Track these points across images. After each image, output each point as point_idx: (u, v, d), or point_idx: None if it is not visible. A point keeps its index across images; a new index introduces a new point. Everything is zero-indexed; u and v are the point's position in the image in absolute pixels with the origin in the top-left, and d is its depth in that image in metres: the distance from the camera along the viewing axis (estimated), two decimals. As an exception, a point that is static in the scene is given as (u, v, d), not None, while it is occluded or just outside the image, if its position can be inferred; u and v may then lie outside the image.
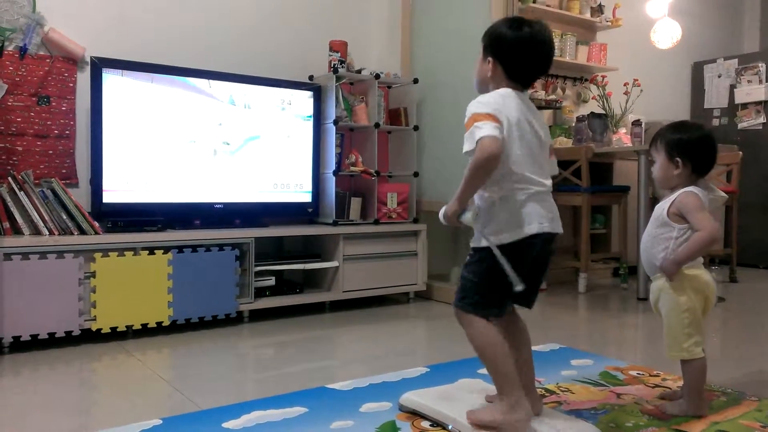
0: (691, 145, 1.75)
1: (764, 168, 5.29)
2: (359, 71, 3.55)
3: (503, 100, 1.54)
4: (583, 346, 2.60)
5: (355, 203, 3.51)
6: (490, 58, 1.60)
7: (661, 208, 1.77)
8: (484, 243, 1.54)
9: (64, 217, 2.63)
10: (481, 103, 1.53)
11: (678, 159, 1.76)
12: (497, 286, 1.53)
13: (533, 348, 1.73)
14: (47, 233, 2.58)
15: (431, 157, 3.69)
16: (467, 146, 1.50)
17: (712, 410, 1.81)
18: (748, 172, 5.09)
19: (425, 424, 1.69)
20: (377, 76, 3.51)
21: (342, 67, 3.46)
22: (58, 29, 2.88)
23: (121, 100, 2.85)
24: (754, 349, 2.66)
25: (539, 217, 1.54)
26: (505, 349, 1.54)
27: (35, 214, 2.59)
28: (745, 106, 5.47)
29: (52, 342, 2.53)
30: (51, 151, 2.90)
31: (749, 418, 1.76)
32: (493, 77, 1.60)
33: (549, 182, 1.59)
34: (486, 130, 1.46)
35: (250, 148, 3.22)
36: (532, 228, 1.53)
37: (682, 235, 1.72)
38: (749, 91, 5.42)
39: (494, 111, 1.50)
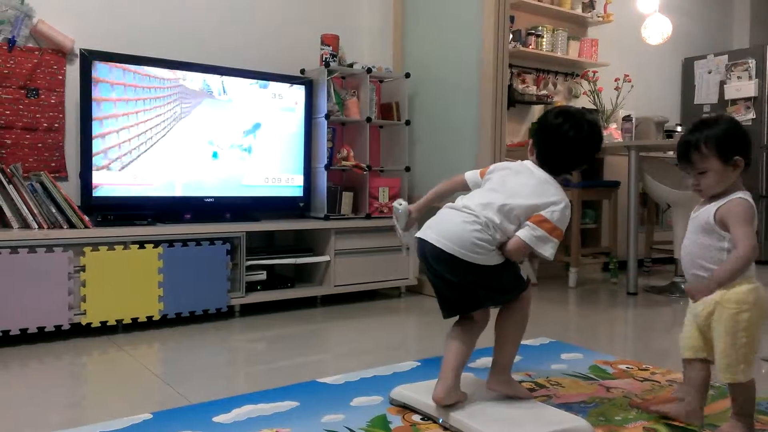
0: (745, 139, 1.58)
1: (753, 163, 5.26)
2: (351, 65, 3.54)
3: (510, 166, 1.76)
4: (573, 340, 2.61)
5: (347, 198, 3.51)
6: (530, 140, 1.82)
7: (707, 213, 1.58)
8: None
9: (54, 210, 2.62)
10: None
11: (738, 158, 1.55)
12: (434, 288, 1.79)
13: (524, 342, 1.76)
14: (36, 227, 2.56)
15: (423, 151, 3.69)
16: None
17: (700, 403, 1.83)
18: (737, 167, 5.12)
19: (416, 417, 1.69)
20: (369, 71, 3.51)
21: (333, 61, 3.45)
22: (47, 21, 2.86)
23: (111, 92, 2.83)
24: (741, 343, 2.68)
25: (429, 225, 1.70)
26: (449, 340, 1.75)
27: (24, 207, 2.57)
28: (734, 102, 5.50)
29: (41, 336, 2.51)
30: (40, 144, 2.87)
31: (736, 411, 1.77)
32: (530, 153, 1.80)
33: (465, 203, 1.68)
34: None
35: (240, 142, 3.20)
36: (421, 232, 1.71)
37: (733, 246, 1.53)
38: (739, 87, 5.45)
39: (488, 168, 1.81)
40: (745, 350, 1.52)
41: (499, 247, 1.63)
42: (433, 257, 1.65)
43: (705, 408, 1.75)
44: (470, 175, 1.83)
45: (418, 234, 1.70)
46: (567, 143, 1.69)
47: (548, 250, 1.62)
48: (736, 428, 1.57)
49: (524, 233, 1.62)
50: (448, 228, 1.64)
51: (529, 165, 1.73)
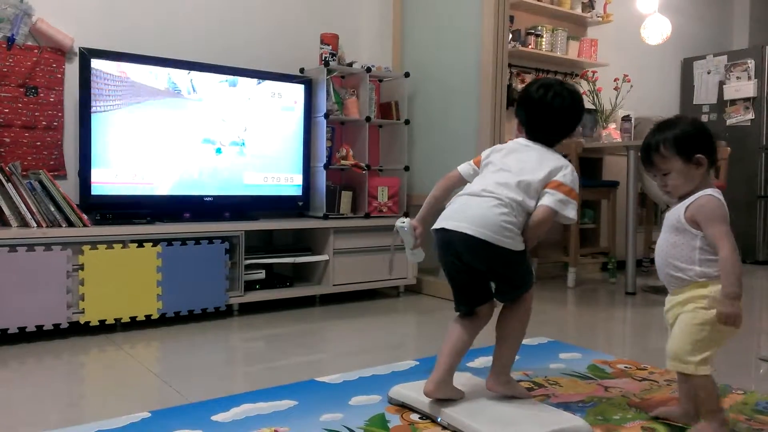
0: (705, 137, 1.56)
1: (751, 164, 5.33)
2: (350, 64, 3.54)
3: (503, 147, 1.78)
4: (571, 339, 2.61)
5: (346, 197, 3.51)
6: (517, 120, 1.82)
7: (677, 212, 1.58)
8: None
9: (52, 209, 2.61)
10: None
11: (699, 156, 1.53)
12: (450, 282, 1.76)
13: (522, 341, 1.76)
14: (35, 225, 2.56)
15: (422, 151, 3.69)
16: None
17: (698, 403, 1.83)
18: (735, 167, 5.13)
19: (414, 416, 1.70)
20: (368, 70, 3.51)
21: (333, 60, 3.45)
22: (46, 19, 2.85)
23: (110, 91, 2.83)
24: (738, 342, 2.68)
25: (446, 216, 1.69)
26: (450, 337, 1.72)
27: (23, 206, 2.57)
28: (733, 102, 5.50)
29: (40, 335, 2.51)
30: (39, 143, 2.87)
31: (735, 411, 1.78)
32: (518, 131, 1.83)
33: (482, 187, 1.67)
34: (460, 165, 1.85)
35: (239, 141, 3.20)
36: (438, 222, 1.70)
37: (706, 244, 1.52)
38: (738, 88, 5.45)
39: (481, 155, 1.81)
40: (703, 344, 1.50)
41: (522, 232, 1.64)
42: (466, 247, 1.62)
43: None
44: (464, 168, 1.83)
45: (442, 225, 1.66)
46: (553, 113, 1.72)
47: (571, 212, 1.65)
48: (708, 427, 1.54)
49: (548, 200, 1.64)
50: (475, 214, 1.62)
51: (522, 141, 1.76)
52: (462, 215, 1.64)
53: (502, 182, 1.65)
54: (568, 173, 1.67)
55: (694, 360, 1.50)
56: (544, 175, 1.65)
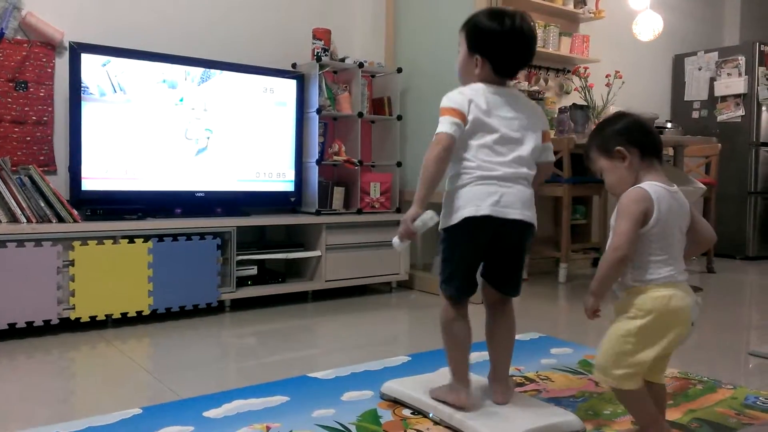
0: (624, 128, 1.46)
1: (742, 160, 5.36)
2: (343, 60, 3.53)
3: (478, 92, 1.59)
4: (562, 335, 2.63)
5: (338, 193, 3.50)
6: (477, 56, 1.61)
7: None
8: (442, 226, 1.62)
9: (42, 204, 2.60)
10: (449, 97, 1.60)
11: (620, 148, 1.44)
12: (464, 269, 1.61)
13: (515, 337, 1.75)
14: (25, 221, 2.54)
15: (414, 146, 3.69)
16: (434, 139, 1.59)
17: (688, 398, 1.85)
18: (726, 164, 5.17)
19: (406, 412, 1.70)
20: (361, 65, 3.50)
21: (325, 55, 3.44)
22: (36, 13, 2.83)
23: (100, 86, 2.81)
24: (729, 337, 2.71)
25: (489, 200, 1.54)
26: (464, 337, 1.63)
27: (12, 201, 2.55)
28: (724, 98, 5.53)
29: (30, 331, 2.50)
30: (29, 138, 2.85)
31: (725, 405, 1.79)
32: (480, 74, 1.62)
33: (504, 168, 1.57)
34: (443, 126, 1.55)
35: (232, 136, 3.19)
36: (479, 209, 1.54)
37: (650, 243, 1.38)
38: (729, 84, 5.48)
39: (459, 105, 1.57)
40: (628, 358, 1.36)
41: None
42: (519, 233, 1.59)
43: (694, 402, 1.77)
44: (456, 132, 1.55)
45: (490, 212, 1.53)
46: (520, 44, 1.59)
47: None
48: None
49: (551, 156, 1.69)
50: (525, 198, 1.58)
51: (498, 89, 1.61)
52: (511, 200, 1.55)
53: (518, 158, 1.58)
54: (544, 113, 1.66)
55: (617, 373, 1.37)
56: (541, 131, 1.64)
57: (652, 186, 1.37)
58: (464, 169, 1.58)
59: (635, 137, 1.44)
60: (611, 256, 1.35)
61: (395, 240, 1.62)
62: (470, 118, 1.56)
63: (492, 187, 1.55)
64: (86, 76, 2.77)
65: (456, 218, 1.56)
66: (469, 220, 1.55)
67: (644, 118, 1.51)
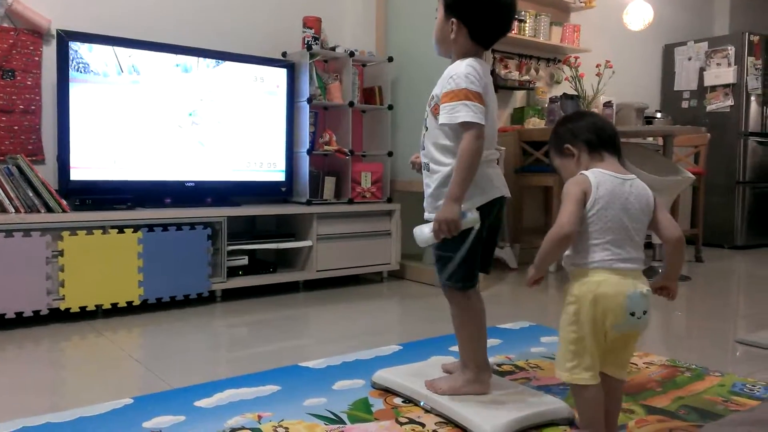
0: (574, 127, 1.46)
1: (731, 150, 5.39)
2: (333, 48, 3.52)
3: (485, 71, 1.56)
4: (552, 323, 2.64)
5: (329, 182, 3.50)
6: (453, 20, 1.57)
7: None
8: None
9: (31, 194, 2.58)
10: (471, 78, 1.51)
11: (567, 146, 1.45)
12: (475, 256, 1.59)
13: (504, 325, 1.76)
14: (13, 211, 2.52)
15: (406, 136, 3.69)
16: (448, 120, 1.51)
17: (677, 385, 1.86)
18: (715, 153, 5.20)
19: (398, 400, 1.71)
20: (352, 54, 3.48)
21: (316, 44, 3.42)
22: (23, 1, 2.79)
23: (88, 74, 2.78)
24: (717, 326, 2.74)
25: (496, 182, 1.60)
26: (479, 324, 1.64)
27: (0, 191, 2.53)
28: (714, 88, 5.55)
29: (19, 322, 2.48)
30: (16, 127, 2.82)
31: (712, 393, 1.81)
32: (456, 39, 1.59)
33: (497, 151, 1.64)
34: (477, 116, 1.48)
35: (222, 126, 3.17)
36: (494, 192, 1.58)
37: (587, 227, 1.36)
38: (718, 74, 5.50)
39: (483, 90, 1.52)
40: (573, 347, 1.34)
41: None
42: (502, 207, 1.64)
43: (682, 389, 1.79)
44: (483, 122, 1.51)
45: (504, 193, 1.61)
46: (501, 10, 1.56)
47: (461, 115, 1.54)
48: None
49: None
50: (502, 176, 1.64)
51: (484, 64, 1.58)
52: (500, 179, 1.63)
53: (496, 138, 1.64)
54: None
55: (568, 365, 1.34)
56: None
57: (593, 172, 1.38)
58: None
59: (584, 135, 1.44)
60: (554, 233, 1.34)
61: (427, 234, 1.54)
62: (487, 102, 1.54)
63: (493, 169, 1.60)
64: (73, 65, 2.74)
65: (482, 200, 1.55)
66: (492, 202, 1.58)
67: (599, 117, 1.51)
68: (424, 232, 1.55)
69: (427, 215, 1.64)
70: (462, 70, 1.53)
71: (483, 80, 1.53)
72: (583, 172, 1.39)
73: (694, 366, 2.06)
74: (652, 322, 2.66)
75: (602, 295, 1.31)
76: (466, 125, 1.49)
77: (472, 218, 1.52)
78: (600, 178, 1.36)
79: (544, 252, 1.37)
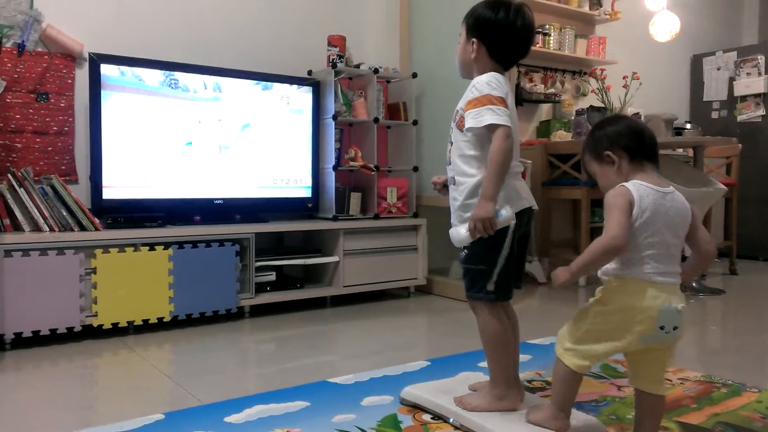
0: (614, 132, 1.45)
1: (764, 160, 5.29)
2: (358, 66, 3.55)
3: (506, 82, 1.59)
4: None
5: (355, 198, 3.51)
6: (474, 40, 1.63)
7: None
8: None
9: (64, 213, 2.63)
10: (491, 84, 1.55)
11: (608, 153, 1.44)
12: (505, 268, 1.58)
13: (534, 341, 1.75)
14: (47, 230, 2.58)
15: (430, 151, 3.69)
16: (474, 123, 1.53)
17: (712, 402, 1.82)
18: (747, 164, 5.10)
19: (426, 417, 1.69)
20: (376, 71, 3.51)
21: (340, 61, 3.46)
22: (56, 25, 2.88)
23: (120, 96, 2.85)
24: (753, 340, 2.67)
25: (524, 194, 1.61)
26: (509, 339, 1.63)
27: (35, 210, 2.59)
28: (744, 98, 5.46)
29: (53, 338, 2.53)
30: (50, 148, 2.90)
31: (749, 409, 1.77)
32: (477, 59, 1.63)
33: (521, 163, 1.66)
34: (502, 118, 1.51)
35: (249, 144, 3.21)
36: (522, 203, 1.59)
37: None
38: (748, 84, 5.42)
39: (505, 95, 1.55)
40: (581, 336, 1.40)
41: None
42: (530, 219, 1.65)
43: (718, 405, 1.75)
44: (505, 119, 1.52)
45: (532, 204, 1.62)
46: (518, 35, 1.60)
47: (487, 119, 1.57)
48: (541, 413, 1.49)
49: None
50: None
51: (505, 77, 1.61)
52: (528, 193, 1.64)
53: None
54: None
55: (566, 345, 1.42)
56: None
57: (634, 184, 1.36)
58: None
59: (624, 141, 1.43)
60: (606, 243, 1.31)
61: (463, 234, 1.55)
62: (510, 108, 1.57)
63: (520, 182, 1.62)
64: (105, 87, 2.80)
65: (512, 212, 1.54)
66: (521, 213, 1.58)
67: (637, 121, 1.48)
68: (460, 233, 1.56)
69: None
70: (483, 79, 1.58)
71: (504, 88, 1.56)
72: (623, 184, 1.37)
73: (730, 382, 2.01)
74: (686, 338, 2.60)
75: (637, 306, 1.32)
76: (492, 128, 1.51)
77: (507, 216, 1.52)
78: (642, 191, 1.35)
79: (590, 259, 1.34)
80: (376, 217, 3.47)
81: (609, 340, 1.36)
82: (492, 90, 1.54)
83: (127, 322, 2.65)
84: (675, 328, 1.32)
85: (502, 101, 1.53)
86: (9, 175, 2.60)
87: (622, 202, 1.33)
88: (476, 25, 1.63)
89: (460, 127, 1.60)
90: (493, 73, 1.59)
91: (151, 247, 2.70)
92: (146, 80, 2.91)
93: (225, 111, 3.13)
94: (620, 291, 1.35)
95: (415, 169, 3.61)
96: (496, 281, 1.58)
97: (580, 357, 1.40)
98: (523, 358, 2.20)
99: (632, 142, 1.42)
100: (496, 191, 1.51)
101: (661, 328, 1.31)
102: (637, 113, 4.30)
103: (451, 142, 1.66)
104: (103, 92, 2.79)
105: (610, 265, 1.38)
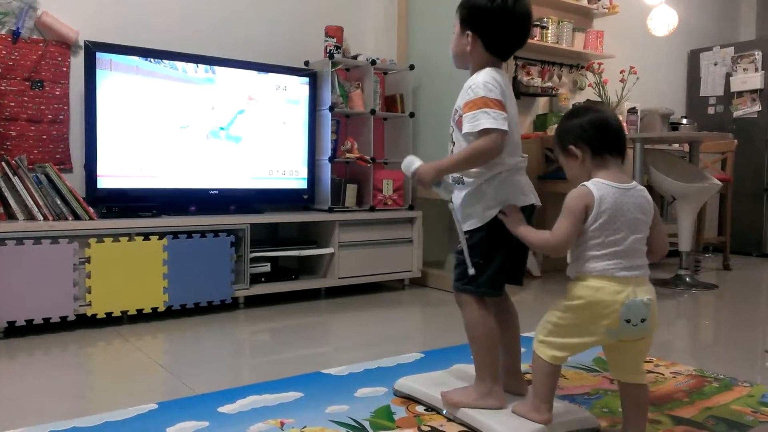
0: (578, 125, 1.44)
1: (759, 156, 5.30)
2: (355, 57, 3.53)
3: (504, 81, 1.56)
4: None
5: (351, 190, 3.51)
6: (468, 32, 1.59)
7: None
8: (478, 223, 1.57)
9: (59, 202, 2.62)
10: (489, 85, 1.52)
11: (570, 146, 1.44)
12: (501, 264, 1.58)
13: (529, 334, 1.74)
14: (42, 218, 2.57)
15: (427, 143, 3.69)
16: (470, 128, 1.52)
17: (704, 396, 1.83)
18: (742, 160, 5.11)
19: (420, 408, 1.70)
20: (373, 63, 3.50)
21: (338, 53, 3.44)
22: (52, 13, 2.86)
23: (115, 84, 2.83)
24: (745, 335, 2.68)
25: (526, 190, 1.59)
26: (496, 337, 1.61)
27: (29, 199, 2.58)
28: (740, 94, 5.47)
29: (47, 327, 2.53)
30: (45, 136, 2.88)
31: (741, 403, 1.78)
32: (472, 51, 1.60)
33: (524, 158, 1.63)
34: (498, 122, 1.49)
35: (244, 134, 3.20)
36: (524, 200, 1.58)
37: (590, 239, 1.37)
38: (745, 80, 5.42)
39: (502, 97, 1.52)
40: (551, 328, 1.42)
41: None
42: (532, 215, 1.63)
43: (710, 399, 1.75)
44: (506, 129, 1.50)
45: (534, 201, 1.60)
46: (516, 22, 1.56)
47: (483, 123, 1.55)
48: (525, 407, 1.51)
49: None
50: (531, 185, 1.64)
51: (502, 73, 1.59)
52: (531, 189, 1.62)
53: (522, 146, 1.64)
54: None
55: (540, 338, 1.45)
56: None
57: (595, 183, 1.38)
58: (507, 163, 1.56)
59: (587, 135, 1.42)
60: (549, 245, 1.41)
61: (412, 167, 1.62)
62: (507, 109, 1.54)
63: (524, 177, 1.60)
64: (100, 75, 2.79)
65: (449, 195, 1.60)
66: (523, 210, 1.57)
67: (604, 114, 1.45)
68: (413, 164, 1.63)
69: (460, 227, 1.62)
70: (480, 79, 1.54)
71: (502, 88, 1.54)
72: (585, 183, 1.39)
73: (722, 376, 2.02)
74: (679, 332, 2.62)
75: (600, 300, 1.35)
76: (487, 131, 1.50)
77: (444, 190, 1.59)
78: (603, 191, 1.37)
79: (526, 237, 1.47)
80: (372, 209, 3.47)
81: (578, 334, 1.39)
82: (488, 92, 1.51)
83: (121, 312, 2.65)
84: (643, 321, 1.34)
85: (499, 104, 1.50)
86: (3, 163, 2.59)
87: (576, 205, 1.37)
88: (471, 17, 1.58)
89: (460, 127, 1.58)
90: (490, 72, 1.55)
91: (146, 236, 2.70)
92: (141, 64, 2.89)
93: (221, 101, 3.12)
94: (585, 287, 1.37)
95: (411, 161, 3.60)
96: (496, 272, 1.58)
97: (554, 349, 1.42)
98: (516, 350, 2.21)
99: (596, 136, 1.42)
100: (449, 169, 1.57)
101: (627, 321, 1.33)
102: (634, 108, 4.30)
103: (453, 142, 1.65)
104: (98, 71, 2.77)
105: (577, 263, 1.41)
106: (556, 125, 4.51)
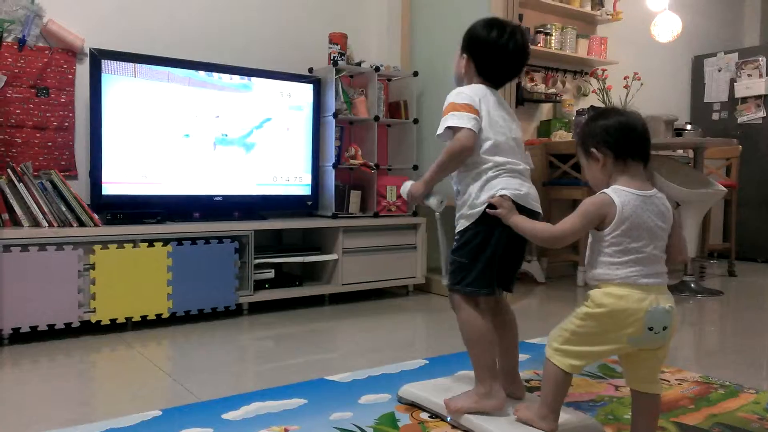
0: (602, 128, 1.42)
1: (763, 162, 5.29)
2: (359, 64, 3.54)
3: (482, 92, 1.64)
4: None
5: (355, 196, 3.51)
6: (465, 55, 1.70)
7: None
8: (465, 223, 1.61)
9: (63, 209, 2.63)
10: (460, 93, 1.63)
11: (593, 149, 1.42)
12: (486, 264, 1.59)
13: (534, 341, 1.74)
14: (46, 225, 2.58)
15: (431, 150, 3.69)
16: (439, 131, 1.62)
17: (710, 403, 1.82)
18: (747, 166, 5.10)
19: (424, 415, 1.69)
20: (377, 69, 3.51)
21: (342, 59, 3.45)
22: (57, 20, 2.87)
23: (120, 91, 2.84)
24: (751, 341, 2.67)
25: (510, 186, 1.58)
26: (492, 337, 1.62)
27: (34, 206, 2.59)
28: (745, 100, 5.46)
29: (51, 334, 2.53)
30: (50, 143, 2.89)
31: (747, 410, 1.77)
32: (467, 73, 1.71)
33: (524, 164, 1.64)
34: (463, 121, 1.57)
35: (249, 141, 3.21)
36: (514, 194, 1.56)
37: (610, 246, 1.36)
38: (749, 85, 5.41)
39: (471, 101, 1.60)
40: (569, 336, 1.40)
41: None
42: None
43: (716, 406, 1.74)
44: (473, 127, 1.56)
45: (524, 203, 1.58)
46: (508, 56, 1.65)
47: (448, 123, 1.63)
48: (529, 410, 1.51)
49: (531, 161, 1.71)
50: (535, 193, 1.64)
51: (492, 91, 1.66)
52: (536, 198, 1.63)
53: (526, 156, 1.67)
54: None
55: (555, 345, 1.42)
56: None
57: (616, 191, 1.37)
58: (489, 162, 1.58)
59: (611, 138, 1.40)
60: (549, 233, 1.44)
61: (406, 190, 1.75)
62: (482, 114, 1.60)
63: (518, 180, 1.61)
64: (105, 82, 2.80)
65: (441, 204, 1.70)
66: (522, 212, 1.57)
67: (631, 117, 1.43)
68: (406, 186, 1.76)
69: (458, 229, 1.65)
70: (454, 91, 1.65)
71: (473, 97, 1.60)
72: (605, 191, 1.38)
73: (727, 383, 2.01)
74: (684, 339, 2.61)
75: (623, 309, 1.33)
76: (453, 129, 1.58)
77: (434, 202, 1.71)
78: (624, 198, 1.35)
79: (530, 235, 1.48)
80: (376, 215, 3.47)
81: (599, 342, 1.37)
82: (456, 98, 1.61)
83: (126, 319, 2.65)
84: (664, 328, 1.33)
85: (466, 107, 1.58)
86: (8, 170, 2.60)
87: (592, 211, 1.37)
88: (468, 42, 1.69)
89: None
90: (470, 85, 1.66)
91: (150, 243, 2.70)
92: (145, 71, 2.90)
93: (224, 107, 3.13)
94: (607, 294, 1.35)
95: (415, 167, 3.61)
96: (485, 271, 1.59)
97: (571, 357, 1.40)
98: (521, 357, 2.20)
99: (620, 140, 1.40)
100: (432, 179, 1.68)
101: (650, 329, 1.32)
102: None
103: None
104: (103, 78, 2.78)
105: (597, 270, 1.39)
106: (559, 131, 4.53)
